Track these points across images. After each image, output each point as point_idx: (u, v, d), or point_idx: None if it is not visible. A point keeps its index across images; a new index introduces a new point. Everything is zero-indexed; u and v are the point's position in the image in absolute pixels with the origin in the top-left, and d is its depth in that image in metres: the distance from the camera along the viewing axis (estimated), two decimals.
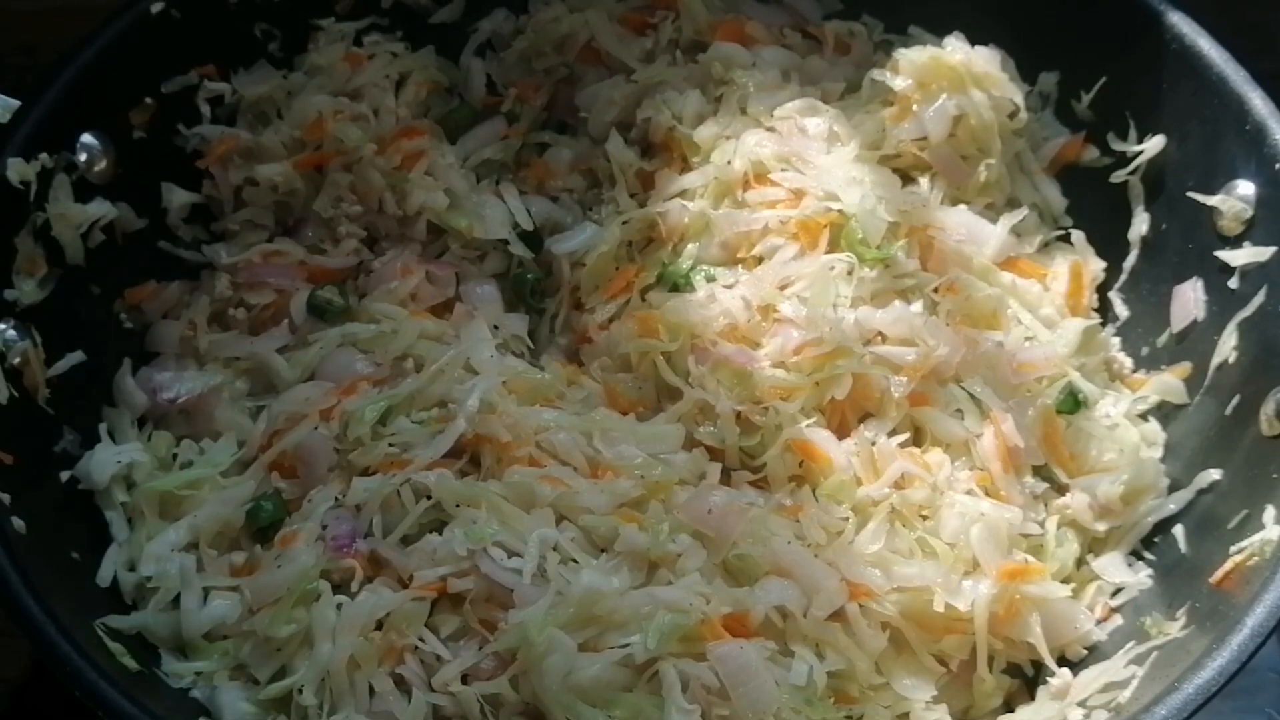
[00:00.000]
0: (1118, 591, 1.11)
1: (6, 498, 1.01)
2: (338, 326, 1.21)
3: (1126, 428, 1.16)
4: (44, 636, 0.94)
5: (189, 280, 1.27)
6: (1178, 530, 1.11)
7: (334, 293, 1.24)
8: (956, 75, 1.24)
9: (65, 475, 1.11)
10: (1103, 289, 1.27)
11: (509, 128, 1.36)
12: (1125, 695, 0.99)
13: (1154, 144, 1.23)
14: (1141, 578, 1.10)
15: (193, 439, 1.17)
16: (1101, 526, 1.12)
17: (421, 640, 0.99)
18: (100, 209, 1.19)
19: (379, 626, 1.00)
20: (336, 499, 1.07)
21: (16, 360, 1.10)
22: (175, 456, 1.15)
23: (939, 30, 1.30)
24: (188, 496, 1.11)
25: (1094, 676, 1.04)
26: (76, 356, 1.15)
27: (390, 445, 1.08)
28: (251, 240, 1.27)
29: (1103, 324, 1.25)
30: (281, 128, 1.28)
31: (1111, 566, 1.11)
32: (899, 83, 1.24)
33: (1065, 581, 1.09)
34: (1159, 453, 1.16)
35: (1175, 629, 1.02)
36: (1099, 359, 1.22)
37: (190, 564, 1.06)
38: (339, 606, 1.00)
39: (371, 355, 1.18)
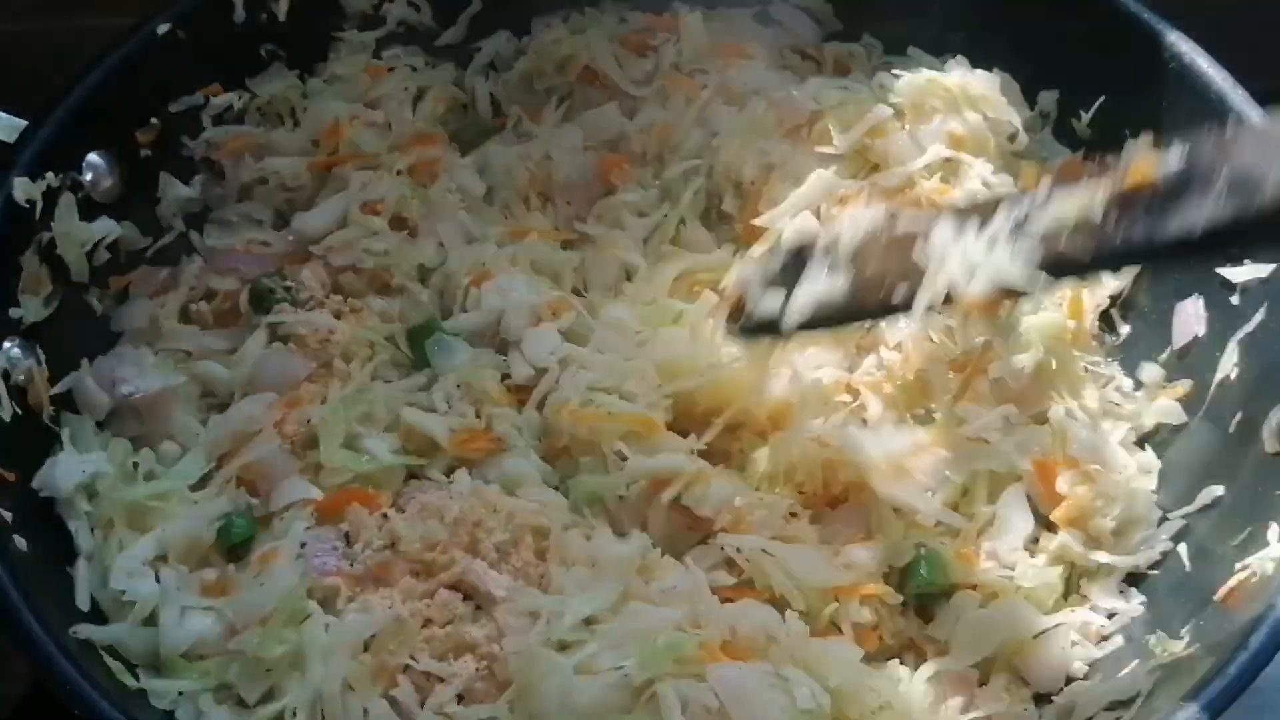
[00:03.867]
0: (1113, 615, 1.09)
1: (8, 516, 1.01)
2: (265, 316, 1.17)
3: (1122, 456, 1.14)
4: (43, 655, 0.93)
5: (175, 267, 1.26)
6: (1181, 548, 1.10)
7: (277, 282, 1.19)
8: (951, 96, 1.24)
9: None
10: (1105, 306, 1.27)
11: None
12: (1130, 714, 0.98)
13: None
14: (1133, 605, 1.09)
15: (144, 440, 1.14)
16: (1094, 559, 1.10)
17: (413, 659, 0.98)
18: (105, 227, 1.20)
19: (367, 647, 0.99)
20: (313, 514, 1.06)
21: (21, 378, 1.10)
22: (136, 466, 1.11)
23: (939, 49, 1.30)
24: (154, 509, 1.08)
25: (1099, 695, 1.03)
26: (79, 373, 1.14)
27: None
28: (246, 233, 1.26)
29: (1104, 333, 1.25)
30: (297, 132, 1.29)
31: (1103, 594, 1.10)
32: (893, 99, 1.25)
33: (1055, 610, 1.08)
34: (1153, 483, 1.14)
35: (1180, 647, 1.01)
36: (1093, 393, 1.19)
37: (170, 579, 1.04)
38: (326, 627, 0.99)
39: (305, 349, 1.15)
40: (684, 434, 1.11)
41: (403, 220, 1.24)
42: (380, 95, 1.31)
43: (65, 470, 1.07)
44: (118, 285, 1.22)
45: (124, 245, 1.23)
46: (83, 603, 1.04)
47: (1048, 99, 1.31)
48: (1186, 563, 1.09)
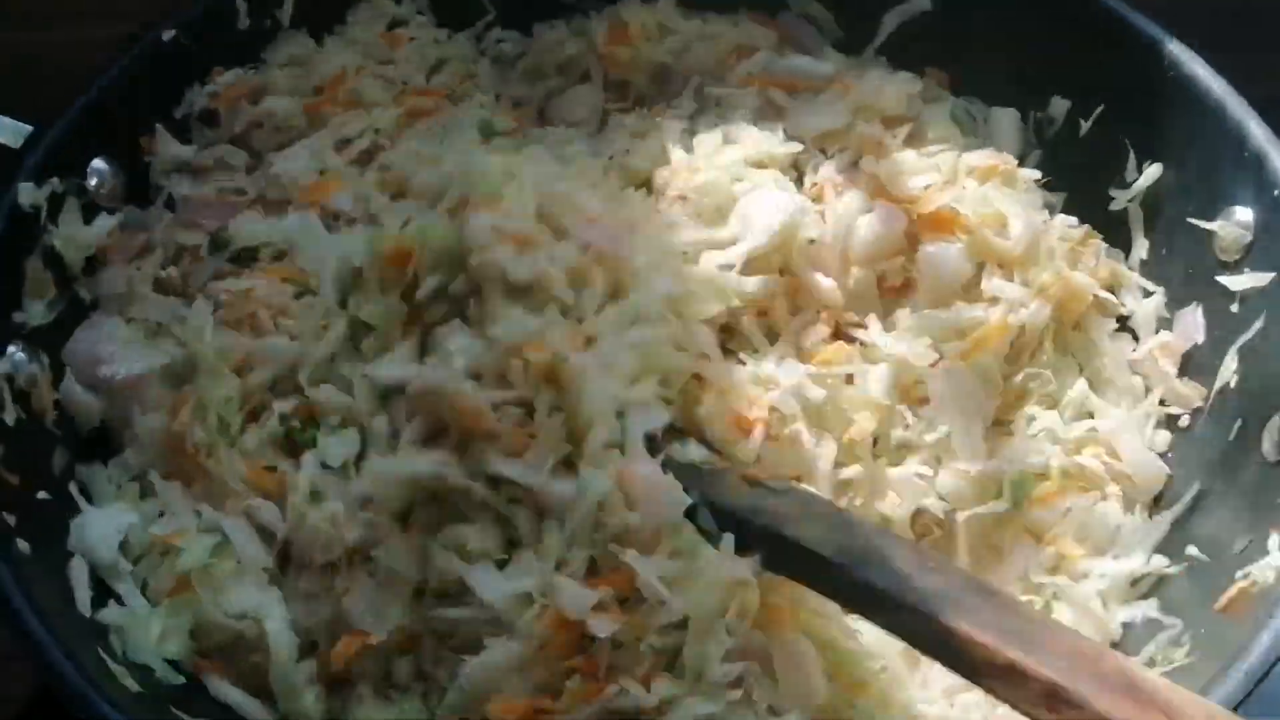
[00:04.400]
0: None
1: (11, 519, 1.01)
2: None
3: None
4: (48, 659, 0.93)
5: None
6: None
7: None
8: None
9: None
10: None
11: None
12: None
13: (1152, 171, 1.24)
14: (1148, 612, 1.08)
15: (111, 422, 1.11)
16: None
17: None
18: (105, 224, 1.18)
19: None
20: None
21: (24, 382, 1.10)
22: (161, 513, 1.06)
23: (940, 57, 1.31)
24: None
25: None
26: (66, 382, 1.13)
27: None
28: (220, 180, 1.23)
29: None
30: (303, 79, 1.28)
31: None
32: None
33: None
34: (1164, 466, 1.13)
35: (1180, 655, 1.01)
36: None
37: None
38: None
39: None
40: None
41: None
42: (396, 58, 1.31)
43: (99, 533, 1.04)
44: (101, 251, 1.18)
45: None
46: (83, 606, 1.03)
47: (1059, 106, 1.30)
48: (1186, 573, 1.09)
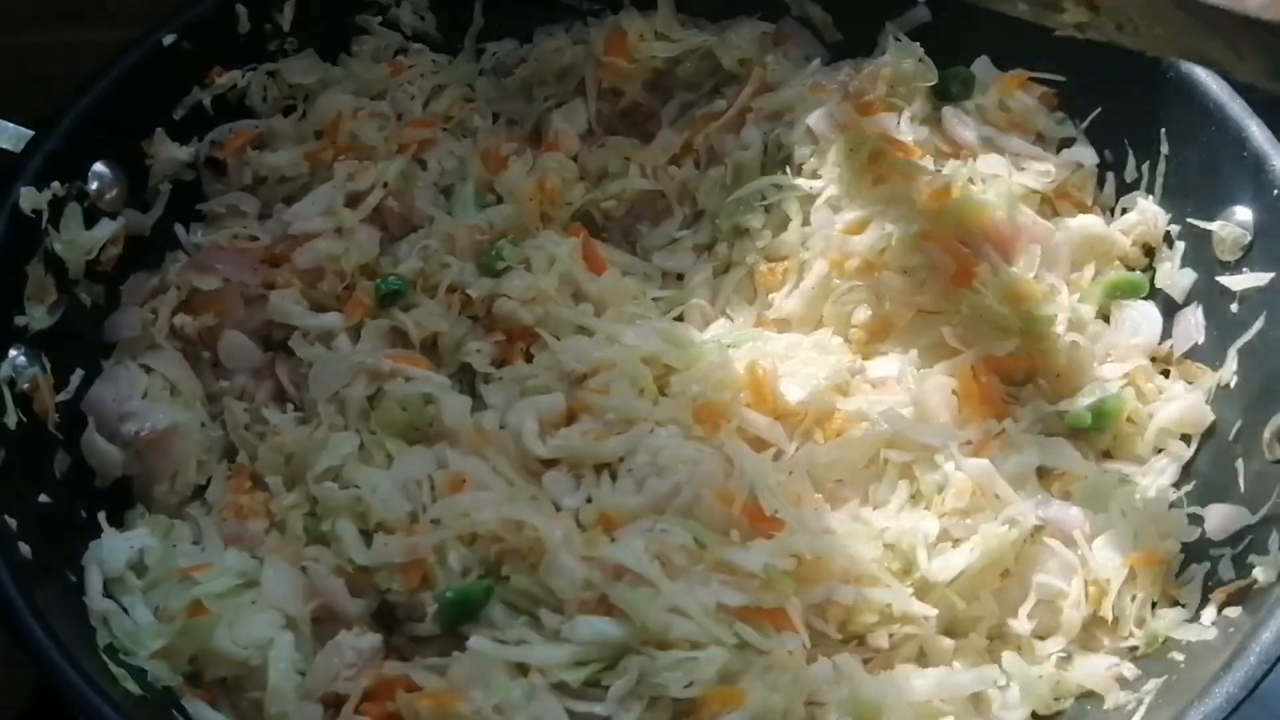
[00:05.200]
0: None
1: (14, 523, 1.02)
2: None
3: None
4: (49, 662, 0.94)
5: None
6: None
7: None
8: None
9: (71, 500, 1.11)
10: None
11: None
12: None
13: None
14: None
15: (141, 479, 1.13)
16: None
17: None
18: (107, 228, 1.19)
19: None
20: None
21: (26, 386, 1.10)
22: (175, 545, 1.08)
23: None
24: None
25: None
26: (77, 376, 1.15)
27: None
28: (230, 226, 1.25)
29: None
30: (302, 122, 1.29)
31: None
32: None
33: None
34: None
35: (1181, 655, 1.02)
36: None
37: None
38: None
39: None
40: None
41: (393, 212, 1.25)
42: (393, 88, 1.32)
43: (113, 549, 1.06)
44: (109, 261, 1.19)
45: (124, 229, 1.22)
46: (96, 614, 1.03)
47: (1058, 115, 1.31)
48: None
